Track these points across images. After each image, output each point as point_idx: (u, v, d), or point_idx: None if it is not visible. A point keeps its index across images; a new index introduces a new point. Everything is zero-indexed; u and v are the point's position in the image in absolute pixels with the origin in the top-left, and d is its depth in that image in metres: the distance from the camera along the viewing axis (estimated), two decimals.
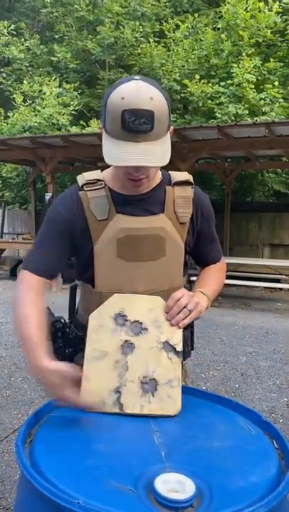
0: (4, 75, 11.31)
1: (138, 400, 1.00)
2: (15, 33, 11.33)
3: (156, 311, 1.06)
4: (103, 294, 1.13)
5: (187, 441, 0.92)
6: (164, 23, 9.93)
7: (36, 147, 7.46)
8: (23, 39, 11.43)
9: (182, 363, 1.32)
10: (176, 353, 1.05)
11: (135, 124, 0.94)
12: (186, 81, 8.74)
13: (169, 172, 1.22)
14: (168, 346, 1.05)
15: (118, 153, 0.97)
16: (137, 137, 0.96)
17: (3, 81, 11.24)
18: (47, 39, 12.11)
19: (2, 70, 11.48)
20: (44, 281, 1.14)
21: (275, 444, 0.94)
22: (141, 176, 1.05)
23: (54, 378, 0.96)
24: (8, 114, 10.26)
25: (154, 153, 0.97)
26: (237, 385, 3.51)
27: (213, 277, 1.26)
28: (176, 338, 1.05)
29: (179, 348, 1.05)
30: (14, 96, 9.99)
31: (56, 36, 11.04)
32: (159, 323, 1.06)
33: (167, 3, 10.72)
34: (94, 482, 0.76)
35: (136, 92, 0.94)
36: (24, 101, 9.92)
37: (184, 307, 1.05)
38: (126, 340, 1.03)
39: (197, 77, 8.67)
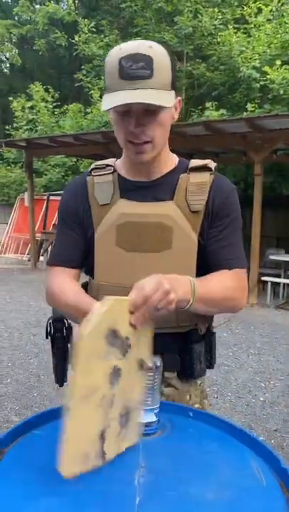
0: (84, 71, 11.61)
1: (117, 439, 0.82)
2: (95, 30, 11.57)
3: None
4: (100, 286, 1.03)
5: (175, 486, 0.75)
6: (245, 8, 9.42)
7: (108, 142, 7.52)
8: (102, 35, 11.63)
9: (198, 383, 1.15)
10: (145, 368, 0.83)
11: (132, 69, 0.86)
12: (266, 68, 8.21)
13: (191, 160, 1.05)
14: (142, 364, 0.83)
15: (112, 98, 0.88)
16: (134, 83, 0.87)
17: (83, 78, 11.56)
18: (128, 35, 12.22)
19: (82, 67, 11.81)
20: (70, 270, 1.09)
21: None
22: (143, 137, 0.93)
23: None
24: (87, 110, 10.55)
25: (149, 94, 0.87)
26: None
27: (220, 279, 0.99)
28: (144, 350, 0.82)
29: (148, 361, 0.83)
30: (92, 92, 10.22)
31: (134, 30, 11.05)
32: (139, 336, 0.81)
33: None
34: None
35: (134, 42, 0.91)
36: (102, 97, 10.09)
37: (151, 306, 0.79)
38: (114, 366, 0.80)
39: (278, 63, 8.10)
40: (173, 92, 0.93)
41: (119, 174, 1.05)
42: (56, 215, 2.80)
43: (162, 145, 0.99)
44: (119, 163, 1.08)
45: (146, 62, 0.86)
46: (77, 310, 0.94)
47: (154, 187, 1.02)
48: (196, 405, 1.13)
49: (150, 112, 0.90)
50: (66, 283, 1.05)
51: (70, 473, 0.74)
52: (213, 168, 1.02)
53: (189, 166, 1.03)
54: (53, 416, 0.95)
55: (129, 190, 1.03)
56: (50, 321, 1.18)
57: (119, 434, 0.82)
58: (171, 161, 1.05)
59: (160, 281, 0.79)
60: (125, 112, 0.91)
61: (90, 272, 1.10)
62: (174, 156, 1.08)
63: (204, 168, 1.02)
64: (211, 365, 1.13)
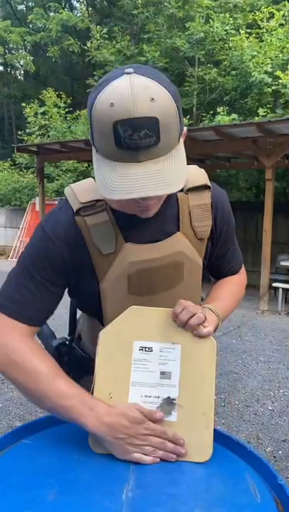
0: (96, 77, 11.70)
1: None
2: (107, 36, 11.66)
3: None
4: None
5: (163, 502, 0.72)
6: (257, 13, 9.40)
7: None
8: (114, 41, 11.72)
9: None
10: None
11: (133, 139, 0.68)
12: (278, 72, 8.16)
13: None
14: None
15: (115, 180, 0.71)
16: (137, 156, 0.70)
17: (95, 84, 11.61)
18: (140, 41, 12.30)
19: (94, 72, 11.90)
20: (27, 329, 0.88)
21: None
22: (149, 201, 0.80)
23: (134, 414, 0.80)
24: None
25: (165, 175, 0.71)
26: None
27: (228, 292, 1.03)
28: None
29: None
30: None
31: (146, 36, 11.11)
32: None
33: None
34: None
35: (129, 95, 0.67)
36: None
37: (193, 315, 0.86)
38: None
39: None
40: (181, 140, 0.78)
41: (111, 208, 0.87)
42: None
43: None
44: None
45: (149, 128, 0.68)
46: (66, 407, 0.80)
47: (156, 218, 0.87)
48: None
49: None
50: (37, 353, 0.85)
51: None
52: (209, 185, 0.94)
53: (186, 187, 0.91)
54: (43, 425, 0.93)
55: (130, 228, 0.88)
56: (56, 344, 1.12)
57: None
58: None
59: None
60: None
61: (94, 315, 0.99)
62: None
63: (203, 187, 0.93)
64: None
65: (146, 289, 0.92)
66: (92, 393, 0.83)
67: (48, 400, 0.81)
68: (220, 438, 0.91)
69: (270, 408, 3.09)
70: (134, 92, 0.68)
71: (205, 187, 0.94)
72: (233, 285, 1.06)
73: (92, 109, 0.71)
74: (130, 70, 0.70)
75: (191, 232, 0.93)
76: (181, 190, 0.90)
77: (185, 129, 0.80)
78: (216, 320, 0.91)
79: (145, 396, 0.85)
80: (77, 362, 1.10)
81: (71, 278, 0.91)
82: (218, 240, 0.99)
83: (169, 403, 0.84)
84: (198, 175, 0.95)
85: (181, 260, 0.93)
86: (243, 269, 1.11)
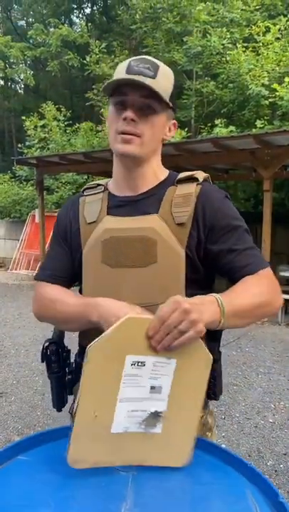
0: (95, 91, 11.83)
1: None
2: (105, 50, 11.82)
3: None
4: None
5: None
6: (253, 27, 9.55)
7: None
8: (113, 56, 11.88)
9: (200, 417, 1.09)
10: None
11: (139, 67, 0.93)
12: (275, 85, 8.25)
13: (180, 173, 1.04)
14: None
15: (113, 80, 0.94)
16: (138, 77, 0.91)
17: (94, 97, 11.76)
18: (138, 54, 12.45)
19: (94, 86, 12.03)
20: (58, 287, 1.07)
21: None
22: (133, 129, 0.94)
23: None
24: (98, 128, 10.70)
25: (151, 85, 0.91)
26: None
27: (245, 287, 0.91)
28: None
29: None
30: (102, 111, 10.37)
31: (144, 50, 11.27)
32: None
33: (259, 8, 10.34)
34: None
35: (143, 56, 0.98)
36: None
37: (175, 327, 0.75)
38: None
39: (287, 80, 8.13)
40: (170, 105, 0.97)
41: (109, 192, 1.06)
42: None
43: (150, 150, 0.98)
44: (110, 182, 1.09)
45: (152, 65, 0.94)
46: (82, 312, 0.93)
47: (142, 201, 1.00)
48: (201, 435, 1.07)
49: (145, 108, 0.94)
50: (62, 291, 1.04)
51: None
52: (200, 179, 0.99)
53: (177, 178, 1.01)
54: (40, 441, 0.92)
55: (116, 206, 1.02)
56: (46, 344, 1.12)
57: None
58: (159, 174, 1.03)
59: (177, 301, 0.76)
60: (122, 103, 0.94)
61: (80, 292, 1.07)
62: (165, 170, 1.06)
63: (191, 179, 1.00)
64: (215, 396, 1.05)
65: (117, 259, 0.98)
66: (75, 414, 0.80)
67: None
68: (220, 454, 0.90)
69: (271, 421, 3.06)
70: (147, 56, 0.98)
71: (193, 179, 0.99)
72: (252, 282, 0.93)
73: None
74: None
75: (170, 217, 0.96)
76: (173, 184, 1.00)
77: (174, 121, 1.03)
78: (216, 313, 0.81)
79: (132, 411, 0.81)
80: (70, 365, 1.12)
81: (69, 244, 1.07)
82: (211, 232, 0.96)
83: (154, 417, 0.81)
84: (194, 172, 1.01)
85: (153, 237, 0.95)
86: (266, 273, 0.96)
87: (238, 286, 0.92)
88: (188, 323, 0.75)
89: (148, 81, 0.91)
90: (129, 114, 0.93)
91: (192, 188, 0.98)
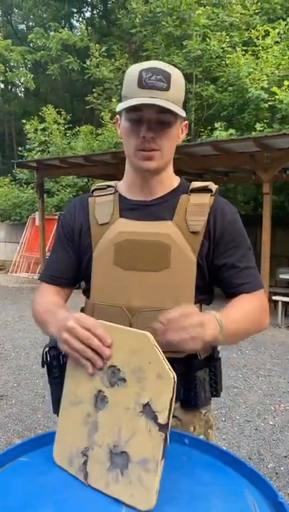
0: (95, 94, 11.87)
1: (104, 473, 0.77)
2: (106, 54, 11.87)
3: (142, 355, 0.74)
4: (96, 306, 1.01)
5: None
6: (253, 31, 9.60)
7: (118, 162, 7.61)
8: (113, 59, 11.93)
9: (202, 413, 1.10)
10: (158, 424, 0.72)
11: (151, 80, 0.90)
12: (274, 88, 8.29)
13: (192, 182, 1.06)
14: (149, 412, 0.73)
15: (129, 102, 0.92)
16: (151, 93, 0.90)
17: (94, 100, 11.80)
18: (138, 59, 12.52)
19: (94, 90, 12.07)
20: (56, 288, 1.10)
21: None
22: (153, 144, 0.95)
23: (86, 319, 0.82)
24: (98, 131, 10.73)
25: (167, 104, 0.91)
26: None
27: (241, 309, 0.97)
28: (162, 402, 0.72)
29: (162, 419, 0.71)
30: (102, 114, 10.41)
31: (144, 54, 11.32)
32: (141, 375, 0.74)
33: (258, 12, 10.39)
34: None
35: (155, 61, 0.96)
36: (112, 118, 10.29)
37: (184, 328, 0.78)
38: (100, 391, 0.80)
39: (287, 83, 8.17)
40: (184, 112, 0.97)
41: (120, 194, 1.06)
42: None
43: (168, 160, 1.01)
44: (120, 184, 1.10)
45: (164, 76, 0.91)
46: (46, 317, 0.95)
47: (155, 206, 1.02)
48: (201, 436, 1.07)
49: (162, 123, 0.94)
50: (48, 296, 1.06)
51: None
52: (214, 190, 1.02)
53: (190, 187, 1.03)
54: (41, 443, 0.92)
55: (129, 209, 1.03)
56: (46, 349, 1.13)
57: (110, 471, 0.77)
58: (172, 181, 1.06)
59: (188, 307, 0.83)
60: (138, 120, 0.94)
61: (87, 293, 1.07)
62: (176, 177, 1.08)
63: (205, 190, 1.02)
64: (217, 393, 1.08)
65: (130, 262, 0.98)
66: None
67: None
68: (220, 455, 0.91)
69: (271, 423, 3.06)
70: (158, 61, 0.95)
71: (207, 190, 1.01)
72: (246, 303, 0.98)
73: (127, 70, 0.96)
74: None
75: (184, 224, 0.98)
76: (186, 192, 1.02)
77: (186, 122, 1.02)
78: (217, 330, 0.84)
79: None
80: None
81: (76, 245, 1.07)
82: (218, 244, 0.99)
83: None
84: (207, 183, 1.03)
85: (168, 243, 0.97)
86: (260, 295, 1.03)
87: (235, 305, 0.98)
88: (197, 331, 0.80)
89: (163, 96, 0.91)
90: (148, 133, 0.93)
91: (206, 199, 1.01)
